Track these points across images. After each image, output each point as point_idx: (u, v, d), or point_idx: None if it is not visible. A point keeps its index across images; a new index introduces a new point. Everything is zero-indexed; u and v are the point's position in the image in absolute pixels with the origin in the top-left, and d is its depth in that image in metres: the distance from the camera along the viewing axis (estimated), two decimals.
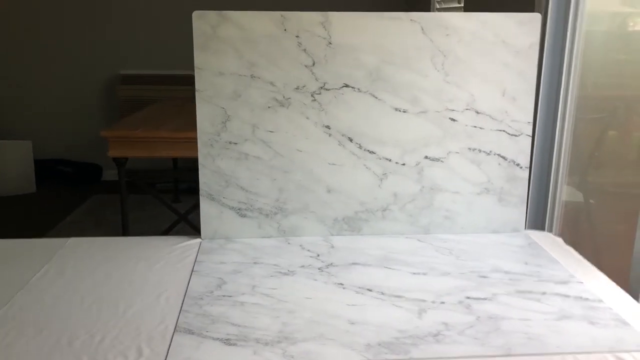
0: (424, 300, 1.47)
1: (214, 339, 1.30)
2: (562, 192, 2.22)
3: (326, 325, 1.35)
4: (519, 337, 1.31)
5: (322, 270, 1.64)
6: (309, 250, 1.78)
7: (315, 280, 1.59)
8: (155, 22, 4.65)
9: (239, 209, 1.86)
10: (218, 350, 1.25)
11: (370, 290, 1.53)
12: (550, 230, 2.17)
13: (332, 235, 1.90)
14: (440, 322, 1.37)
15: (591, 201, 2.23)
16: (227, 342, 1.28)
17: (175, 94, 4.34)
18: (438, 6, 3.73)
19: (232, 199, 1.85)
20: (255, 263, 1.69)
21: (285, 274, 1.63)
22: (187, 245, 1.82)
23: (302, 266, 1.67)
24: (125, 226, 3.09)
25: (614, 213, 2.06)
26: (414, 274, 1.64)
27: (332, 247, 1.82)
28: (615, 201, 2.07)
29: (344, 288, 1.54)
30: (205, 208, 1.85)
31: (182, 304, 1.45)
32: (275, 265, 1.68)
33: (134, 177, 3.64)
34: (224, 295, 1.50)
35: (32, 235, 3.58)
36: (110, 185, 3.25)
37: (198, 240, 1.86)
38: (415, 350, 1.25)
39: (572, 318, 1.39)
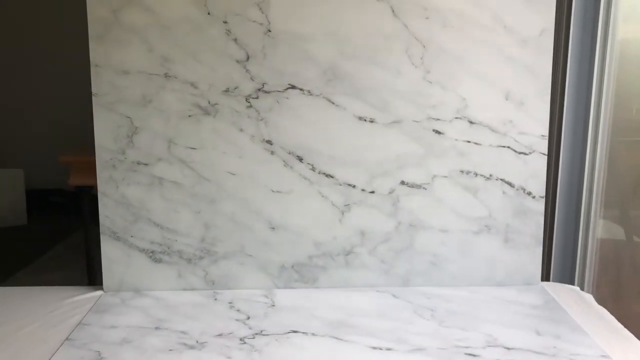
0: None
1: None
2: (597, 228, 1.71)
3: None
4: None
5: (244, 343, 1.17)
6: (238, 311, 1.31)
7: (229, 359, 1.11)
8: None
9: (152, 252, 1.40)
10: None
11: None
12: (581, 282, 1.65)
13: (279, 287, 1.43)
14: None
15: (636, 239, 1.72)
16: None
17: None
18: None
19: (142, 238, 1.40)
20: (156, 328, 1.23)
21: (190, 347, 1.15)
22: (80, 300, 1.37)
23: (220, 335, 1.20)
24: (90, 270, 2.63)
25: None
26: (373, 348, 1.15)
27: (273, 305, 1.34)
28: None
29: None
30: (108, 250, 1.40)
31: None
32: (182, 333, 1.21)
33: None
34: None
35: (2, 273, 3.22)
36: None
37: (99, 292, 1.41)
38: None
39: None
